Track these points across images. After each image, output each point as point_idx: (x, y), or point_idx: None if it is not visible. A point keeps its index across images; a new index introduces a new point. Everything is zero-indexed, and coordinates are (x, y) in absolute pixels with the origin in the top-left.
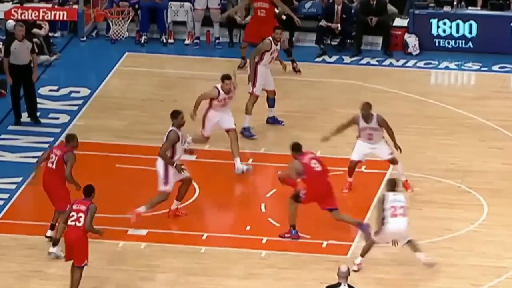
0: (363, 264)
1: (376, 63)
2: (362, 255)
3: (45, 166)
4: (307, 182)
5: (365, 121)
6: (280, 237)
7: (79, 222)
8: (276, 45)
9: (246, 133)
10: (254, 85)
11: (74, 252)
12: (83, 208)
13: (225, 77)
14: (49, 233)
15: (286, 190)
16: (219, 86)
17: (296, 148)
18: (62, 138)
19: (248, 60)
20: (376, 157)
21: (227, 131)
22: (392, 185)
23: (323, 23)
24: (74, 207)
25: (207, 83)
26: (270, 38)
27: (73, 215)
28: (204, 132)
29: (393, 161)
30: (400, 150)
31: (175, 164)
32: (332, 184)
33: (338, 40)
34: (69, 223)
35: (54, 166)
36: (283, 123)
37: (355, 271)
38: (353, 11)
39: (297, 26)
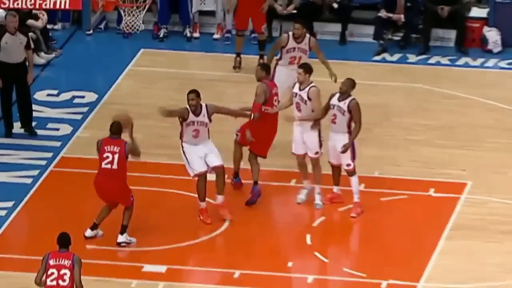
0: None
1: (448, 62)
2: None
3: (101, 169)
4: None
5: (338, 98)
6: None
7: (64, 280)
8: (298, 42)
9: None
10: None
11: None
12: (67, 263)
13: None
14: (89, 232)
15: (337, 218)
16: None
17: (267, 68)
18: (64, 153)
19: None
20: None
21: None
22: None
23: (383, 13)
24: (51, 262)
25: (239, 86)
26: (289, 32)
27: (52, 273)
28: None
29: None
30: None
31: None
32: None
33: (401, 34)
34: (48, 283)
35: (115, 166)
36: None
37: None
38: None
39: (347, 17)
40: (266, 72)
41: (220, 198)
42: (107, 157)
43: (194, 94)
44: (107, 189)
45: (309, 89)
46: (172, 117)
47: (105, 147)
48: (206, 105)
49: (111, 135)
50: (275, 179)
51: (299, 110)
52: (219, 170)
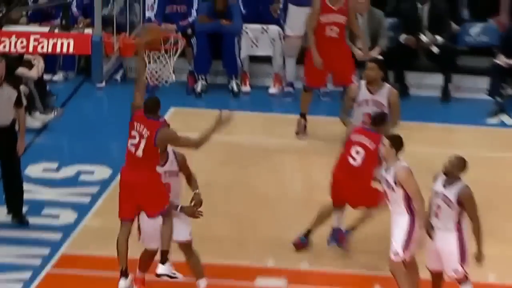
0: None
1: None
2: None
3: (129, 156)
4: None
5: (443, 183)
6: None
7: None
8: (372, 92)
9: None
10: None
11: None
12: None
13: None
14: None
15: None
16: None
17: (379, 119)
18: (66, 249)
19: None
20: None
21: None
22: None
23: (501, 60)
24: None
25: (304, 158)
26: (361, 81)
27: None
28: None
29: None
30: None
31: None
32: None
33: None
34: None
35: (139, 153)
36: None
37: None
38: None
39: (452, 65)
40: (378, 123)
41: (202, 283)
42: (133, 137)
43: None
44: (135, 183)
45: (397, 170)
46: None
47: (135, 123)
48: (174, 151)
49: (146, 113)
50: (353, 284)
51: (388, 200)
52: (186, 248)
